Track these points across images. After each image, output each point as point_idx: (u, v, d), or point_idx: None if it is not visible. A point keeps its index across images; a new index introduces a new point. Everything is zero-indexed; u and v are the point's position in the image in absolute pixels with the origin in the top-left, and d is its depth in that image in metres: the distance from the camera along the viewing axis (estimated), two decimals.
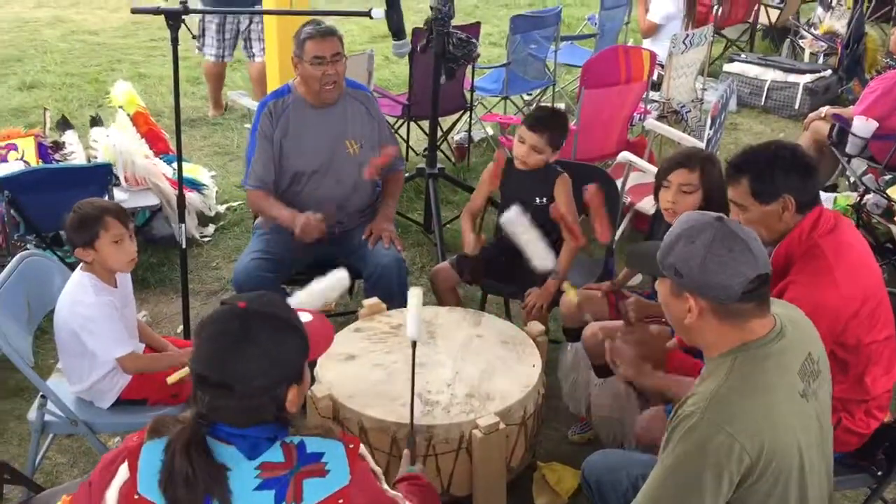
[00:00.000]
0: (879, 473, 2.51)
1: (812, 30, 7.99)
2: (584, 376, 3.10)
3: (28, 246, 3.86)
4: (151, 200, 4.44)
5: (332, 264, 3.50)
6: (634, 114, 5.26)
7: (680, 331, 1.99)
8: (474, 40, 4.36)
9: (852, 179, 4.99)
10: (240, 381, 1.54)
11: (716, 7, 7.08)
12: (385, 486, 1.72)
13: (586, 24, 7.91)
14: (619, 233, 4.32)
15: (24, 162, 4.30)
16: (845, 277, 2.34)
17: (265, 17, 5.22)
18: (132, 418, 2.68)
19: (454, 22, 4.27)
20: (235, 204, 5.06)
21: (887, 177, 4.71)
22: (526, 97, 6.45)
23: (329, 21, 3.39)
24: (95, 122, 5.03)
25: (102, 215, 2.60)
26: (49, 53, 8.08)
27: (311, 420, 2.59)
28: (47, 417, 2.70)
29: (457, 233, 4.70)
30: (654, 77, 5.59)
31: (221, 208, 5.03)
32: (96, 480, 1.61)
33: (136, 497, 1.53)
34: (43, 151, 4.43)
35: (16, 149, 4.37)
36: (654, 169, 3.39)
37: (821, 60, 7.71)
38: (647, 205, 4.28)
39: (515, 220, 3.06)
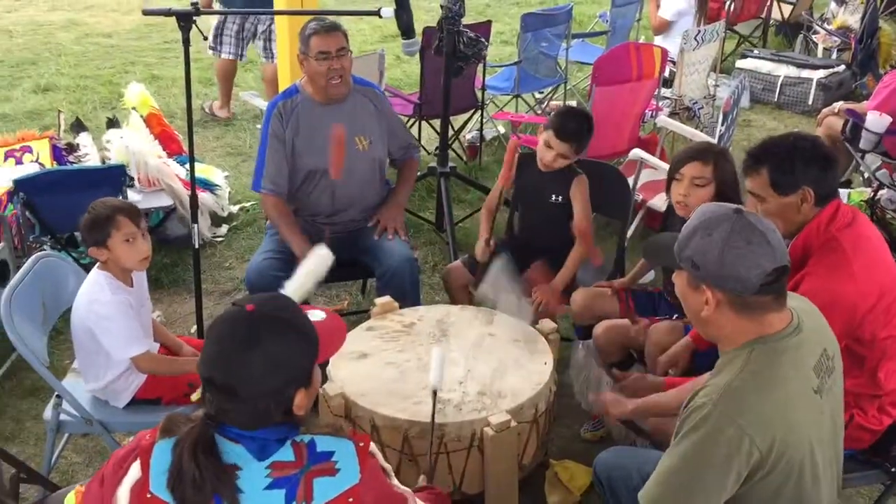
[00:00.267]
0: (893, 470, 2.50)
1: (825, 25, 7.94)
2: (596, 373, 3.10)
3: (44, 247, 3.90)
4: (165, 201, 4.47)
5: (344, 263, 3.53)
6: (646, 111, 5.25)
7: (697, 323, 1.98)
8: (483, 39, 4.36)
9: (866, 175, 4.96)
10: (244, 385, 1.54)
11: (728, 3, 7.05)
12: (396, 483, 1.72)
13: (598, 22, 7.89)
14: (630, 230, 4.32)
15: (39, 164, 4.34)
16: (863, 271, 2.33)
17: (277, 18, 5.24)
18: (147, 417, 2.69)
19: (465, 20, 4.28)
20: (248, 204, 5.08)
21: None
22: (537, 95, 6.44)
23: (341, 21, 3.40)
24: (112, 123, 5.07)
25: (114, 214, 2.63)
26: (63, 56, 8.14)
27: (323, 418, 2.60)
28: (63, 417, 2.73)
29: (469, 231, 4.71)
30: (666, 74, 5.57)
31: (234, 209, 5.06)
32: (108, 476, 1.62)
33: (148, 496, 1.54)
34: (57, 153, 4.47)
35: (31, 151, 4.42)
36: (666, 166, 3.39)
37: (834, 56, 7.66)
38: (658, 202, 4.27)
39: (494, 285, 3.05)
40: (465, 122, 5.78)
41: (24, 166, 4.29)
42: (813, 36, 7.91)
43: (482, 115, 5.68)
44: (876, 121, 4.85)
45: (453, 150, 5.54)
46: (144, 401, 2.76)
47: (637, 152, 4.33)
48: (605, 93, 4.75)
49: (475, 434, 2.52)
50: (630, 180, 3.99)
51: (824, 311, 2.06)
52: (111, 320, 2.62)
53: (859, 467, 2.48)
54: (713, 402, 1.79)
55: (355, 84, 3.48)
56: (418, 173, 4.06)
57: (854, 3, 7.83)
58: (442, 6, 4.14)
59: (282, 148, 3.40)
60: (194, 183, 3.30)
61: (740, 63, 7.38)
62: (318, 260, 2.78)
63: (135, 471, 1.57)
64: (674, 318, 2.94)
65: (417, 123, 5.54)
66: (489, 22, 5.66)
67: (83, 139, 4.83)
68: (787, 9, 8.44)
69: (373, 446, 1.66)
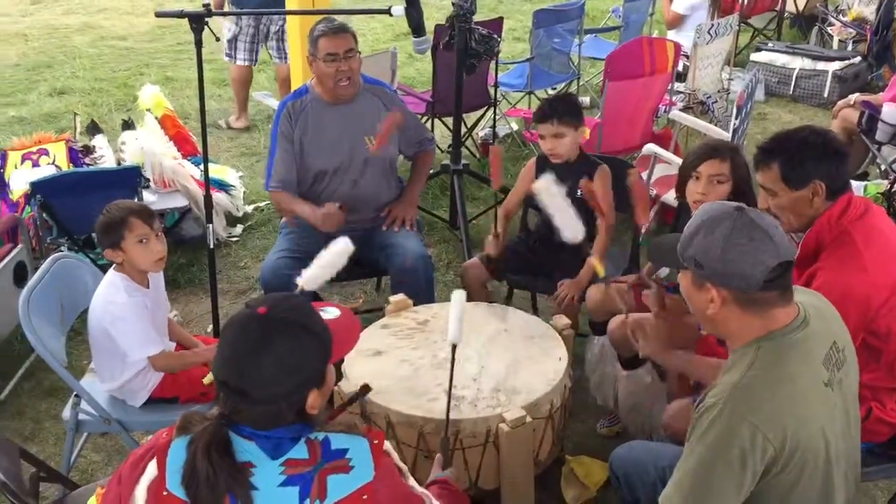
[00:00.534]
0: None
1: (840, 16, 7.88)
2: (612, 369, 3.10)
3: (61, 249, 3.93)
4: (180, 202, 4.50)
5: (358, 262, 3.54)
6: (660, 105, 5.22)
7: (704, 322, 1.98)
8: (496, 36, 4.35)
9: (883, 167, 4.92)
10: (256, 387, 1.54)
11: None
12: (411, 482, 1.72)
13: (610, 17, 7.87)
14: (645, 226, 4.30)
15: (56, 166, 4.38)
16: (875, 263, 2.32)
17: (288, 18, 5.26)
18: (164, 416, 2.71)
19: (476, 18, 4.28)
20: (263, 204, 5.11)
21: None
22: (550, 91, 6.43)
23: (352, 21, 3.41)
24: (127, 125, 5.10)
25: (127, 216, 2.65)
26: (78, 59, 8.20)
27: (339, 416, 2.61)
28: (81, 416, 2.76)
29: (483, 228, 4.71)
30: (680, 68, 5.55)
31: (249, 208, 5.08)
32: (126, 475, 1.63)
33: (164, 494, 1.55)
34: (73, 156, 4.51)
35: (47, 153, 4.45)
36: (680, 161, 3.37)
37: (850, 47, 7.60)
38: (672, 197, 4.25)
39: (549, 189, 2.97)
40: (478, 120, 5.78)
41: (41, 169, 4.33)
42: (828, 28, 7.85)
43: (495, 112, 5.68)
44: (892, 112, 4.82)
45: (466, 147, 5.54)
46: (161, 399, 2.78)
47: (650, 147, 4.32)
48: (617, 88, 4.73)
49: (490, 430, 2.52)
50: (644, 175, 3.97)
51: (838, 305, 2.05)
52: (126, 321, 2.64)
53: (878, 461, 2.46)
54: (724, 401, 1.79)
55: (365, 83, 3.49)
56: (431, 171, 4.07)
57: None
58: (453, 3, 4.13)
59: (290, 148, 3.42)
60: (208, 183, 3.32)
61: (755, 56, 7.33)
62: (337, 250, 2.78)
63: (152, 469, 1.59)
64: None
65: (430, 121, 5.54)
66: (501, 18, 5.66)
67: (99, 141, 4.86)
68: (801, 1, 8.38)
69: (388, 445, 1.66)
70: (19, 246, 3.72)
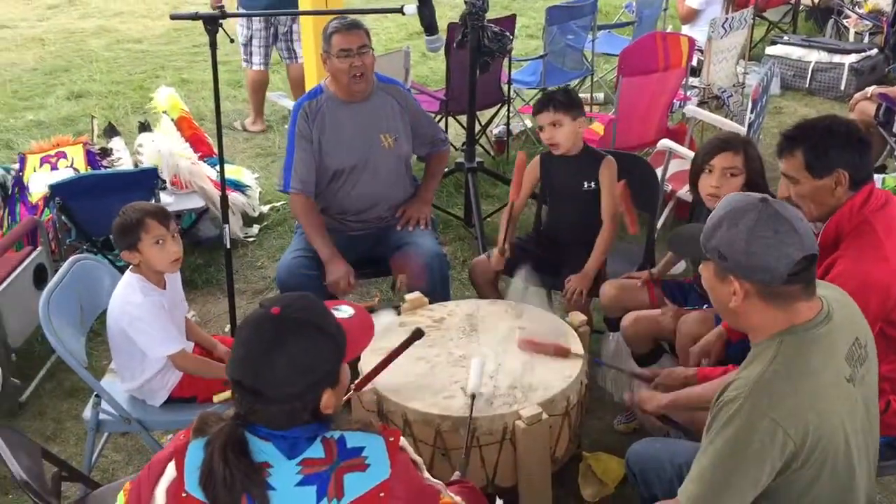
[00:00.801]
0: None
1: (856, 8, 7.82)
2: (627, 365, 3.09)
3: (81, 250, 3.97)
4: (197, 203, 4.53)
5: (374, 261, 3.56)
6: (674, 101, 5.21)
7: (725, 315, 1.97)
8: (508, 33, 4.35)
9: None
10: (269, 388, 1.55)
11: None
12: (426, 476, 1.73)
13: (623, 12, 7.85)
14: (660, 221, 4.29)
15: (74, 169, 4.42)
16: (895, 253, 2.30)
17: (301, 18, 5.28)
18: (183, 415, 2.73)
19: (489, 15, 4.28)
20: (279, 204, 5.13)
21: None
22: (564, 87, 6.42)
23: (365, 20, 3.42)
24: (144, 127, 5.14)
25: (143, 218, 2.67)
26: (95, 63, 8.27)
27: (355, 414, 2.62)
28: (102, 416, 2.78)
29: (498, 226, 4.70)
30: (694, 63, 5.52)
31: (265, 208, 5.11)
32: (144, 479, 1.65)
33: (183, 495, 1.57)
34: (91, 158, 4.55)
35: (65, 156, 4.50)
36: None
37: (866, 40, 7.54)
38: (687, 192, 4.23)
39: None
40: (492, 117, 5.78)
41: (60, 172, 4.37)
42: (844, 20, 7.79)
43: (509, 109, 5.68)
44: None
45: (480, 145, 5.54)
46: (180, 399, 2.80)
47: (665, 143, 4.31)
48: (631, 84, 4.72)
49: (507, 427, 2.52)
50: (659, 171, 3.96)
51: (857, 294, 2.04)
52: (144, 321, 2.67)
53: None
54: (744, 396, 1.77)
55: (379, 82, 3.50)
56: (446, 169, 4.07)
57: None
58: (466, 2, 4.14)
59: (309, 147, 3.43)
60: (224, 184, 3.34)
61: (770, 49, 7.29)
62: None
63: (170, 470, 1.60)
64: (704, 307, 2.92)
65: (444, 119, 5.55)
66: (514, 16, 5.65)
67: (116, 143, 4.91)
68: None
69: (403, 441, 1.67)
70: (39, 248, 3.76)
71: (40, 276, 3.68)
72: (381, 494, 1.56)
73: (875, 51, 7.02)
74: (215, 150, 4.77)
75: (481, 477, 2.58)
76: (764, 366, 1.81)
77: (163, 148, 4.58)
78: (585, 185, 3.32)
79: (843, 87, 6.80)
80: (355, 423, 1.64)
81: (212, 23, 3.02)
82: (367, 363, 2.74)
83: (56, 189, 3.92)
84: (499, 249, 3.33)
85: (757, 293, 1.82)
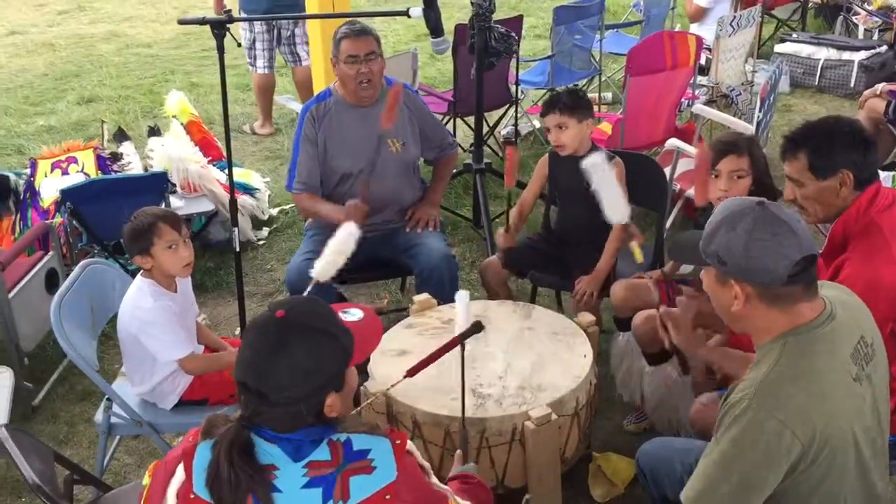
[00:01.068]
0: None
1: (866, 5, 7.77)
2: (637, 365, 3.09)
3: (92, 255, 3.99)
4: (207, 206, 4.55)
5: (383, 262, 3.57)
6: (682, 99, 5.19)
7: (728, 319, 1.97)
8: (514, 34, 4.36)
9: None
10: (273, 390, 1.56)
11: None
12: (434, 481, 1.73)
13: (631, 12, 7.83)
14: (669, 221, 4.29)
15: (85, 174, 4.45)
16: None
17: (309, 22, 5.30)
18: (194, 418, 2.73)
19: (497, 15, 4.28)
20: (288, 207, 5.15)
21: None
22: (572, 88, 6.41)
23: (374, 24, 3.43)
24: (152, 132, 5.17)
25: (156, 222, 2.68)
26: (105, 67, 8.31)
27: (364, 416, 2.63)
28: (113, 419, 2.80)
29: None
30: (703, 61, 5.51)
31: (274, 211, 5.13)
32: (159, 480, 1.66)
33: (192, 496, 1.58)
34: (102, 163, 4.58)
35: (76, 161, 4.53)
36: None
37: (875, 36, 7.50)
38: None
39: (599, 165, 2.95)
40: (500, 118, 5.78)
41: (70, 177, 4.40)
42: (853, 17, 7.75)
43: (517, 110, 5.67)
44: None
45: (489, 146, 5.55)
46: (191, 402, 2.82)
47: (673, 142, 4.30)
48: (639, 83, 4.72)
49: (516, 428, 2.53)
50: (667, 170, 3.96)
51: (866, 295, 2.03)
52: (155, 325, 2.68)
53: None
54: (750, 397, 1.77)
55: (388, 86, 3.51)
56: (454, 170, 4.08)
57: None
58: (472, 3, 4.14)
59: (314, 151, 3.45)
60: (233, 187, 3.35)
61: (779, 47, 7.26)
62: (344, 236, 2.81)
63: (180, 472, 1.61)
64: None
65: (452, 121, 5.55)
66: (520, 16, 5.66)
67: (126, 148, 4.93)
68: None
69: (410, 445, 1.67)
70: (50, 253, 3.78)
71: (52, 281, 3.71)
72: (387, 497, 1.57)
73: (885, 47, 6.98)
74: (225, 153, 4.81)
75: (491, 478, 2.59)
76: (769, 367, 1.81)
77: (172, 152, 4.60)
78: (589, 186, 3.31)
79: (852, 85, 6.77)
80: (362, 425, 1.64)
81: (219, 27, 3.03)
82: (376, 364, 2.75)
83: (67, 194, 3.95)
84: (504, 227, 3.32)
85: (758, 296, 1.83)
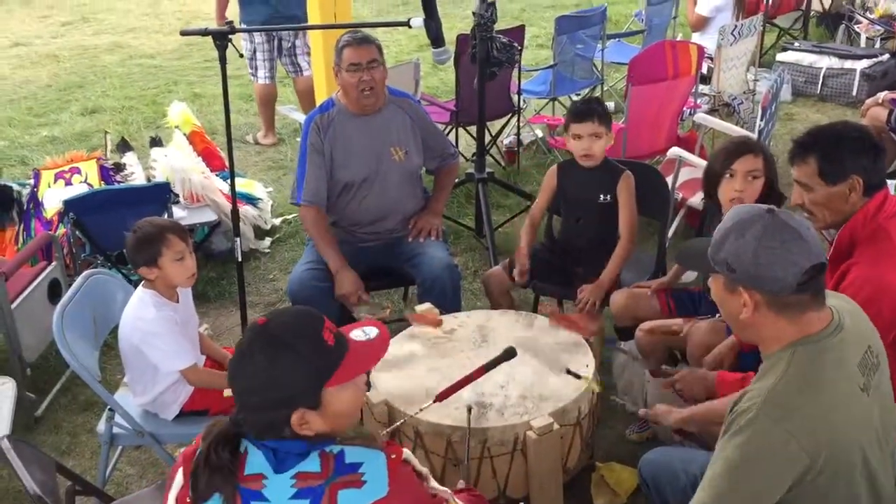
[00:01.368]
0: None
1: (867, 14, 7.79)
2: (639, 374, 3.08)
3: (95, 265, 4.00)
4: (209, 216, 4.55)
5: (385, 272, 3.57)
6: (684, 108, 5.20)
7: (736, 327, 1.96)
8: (516, 44, 4.37)
9: None
10: (240, 394, 1.60)
11: None
12: (433, 484, 1.71)
13: (633, 21, 7.84)
14: (671, 230, 4.28)
15: (88, 184, 4.46)
16: None
17: (311, 32, 5.32)
18: (196, 428, 2.69)
19: (499, 25, 4.30)
20: (291, 217, 5.15)
21: None
22: (574, 97, 6.42)
23: (377, 34, 3.44)
24: (155, 142, 5.18)
25: (163, 233, 2.68)
26: (108, 78, 8.35)
27: (367, 425, 2.63)
28: (115, 430, 2.80)
29: (509, 236, 4.72)
30: (704, 70, 5.51)
31: (277, 221, 5.13)
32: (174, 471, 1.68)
33: (188, 501, 1.59)
34: (105, 173, 4.59)
35: (79, 172, 4.54)
36: (705, 164, 3.36)
37: (878, 45, 7.51)
38: (698, 200, 4.23)
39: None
40: (503, 127, 5.79)
41: (74, 187, 4.42)
42: (855, 25, 7.77)
43: (519, 119, 5.69)
44: None
45: (491, 155, 5.55)
46: (192, 412, 2.81)
47: (675, 151, 4.30)
48: (641, 92, 4.72)
49: (518, 438, 2.52)
50: (669, 179, 3.96)
51: (872, 301, 2.03)
52: (157, 336, 2.68)
53: None
54: (758, 406, 1.76)
55: (390, 95, 3.52)
56: (456, 180, 4.08)
57: None
58: (474, 14, 4.16)
59: (321, 161, 3.45)
60: (235, 197, 3.36)
61: (781, 56, 7.27)
62: None
63: (179, 478, 1.62)
64: (716, 316, 2.91)
65: (454, 130, 5.56)
66: (522, 26, 5.67)
67: (129, 158, 4.95)
68: None
69: (407, 453, 1.65)
70: (53, 263, 3.79)
71: (55, 291, 3.71)
72: None
73: (887, 56, 6.99)
74: (228, 163, 4.82)
75: (492, 488, 2.58)
76: (777, 377, 1.79)
77: (175, 163, 4.61)
78: (601, 198, 3.32)
79: (854, 93, 6.77)
80: (358, 438, 1.63)
81: (221, 38, 3.05)
82: (378, 374, 2.75)
83: (70, 204, 3.96)
84: (521, 265, 3.34)
85: (767, 304, 1.81)
